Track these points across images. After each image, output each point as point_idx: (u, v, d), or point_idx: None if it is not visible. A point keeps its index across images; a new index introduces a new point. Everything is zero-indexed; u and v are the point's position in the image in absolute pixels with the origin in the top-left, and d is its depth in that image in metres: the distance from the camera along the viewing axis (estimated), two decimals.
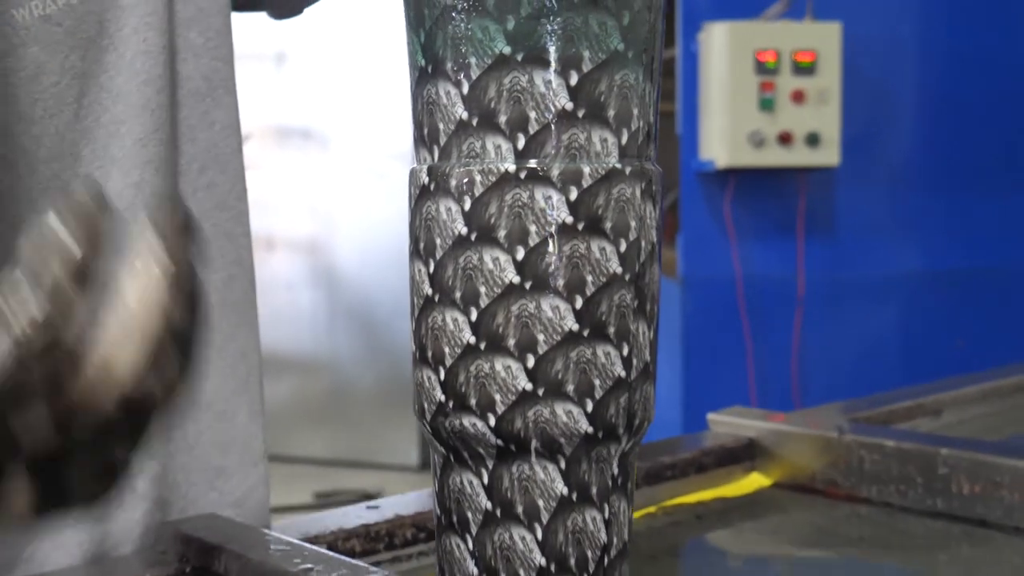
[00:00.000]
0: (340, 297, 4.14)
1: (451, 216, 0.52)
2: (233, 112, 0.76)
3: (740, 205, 2.48)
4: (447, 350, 0.52)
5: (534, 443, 0.51)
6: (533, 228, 0.51)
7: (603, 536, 0.52)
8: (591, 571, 0.52)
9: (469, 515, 0.53)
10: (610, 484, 0.52)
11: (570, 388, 0.50)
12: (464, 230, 0.51)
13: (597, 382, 0.51)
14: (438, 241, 0.52)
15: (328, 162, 4.09)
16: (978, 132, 2.55)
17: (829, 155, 2.40)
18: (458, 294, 0.52)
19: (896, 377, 2.36)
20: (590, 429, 0.51)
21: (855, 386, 2.46)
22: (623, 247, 0.51)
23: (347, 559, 0.63)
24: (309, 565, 0.62)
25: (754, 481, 0.91)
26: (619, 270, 0.51)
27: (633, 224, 0.52)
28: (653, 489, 0.85)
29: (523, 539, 0.52)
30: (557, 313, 0.50)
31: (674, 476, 0.88)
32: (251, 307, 0.79)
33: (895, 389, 1.12)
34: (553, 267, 0.50)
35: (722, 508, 0.87)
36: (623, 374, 0.51)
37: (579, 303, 0.50)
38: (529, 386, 0.51)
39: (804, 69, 2.37)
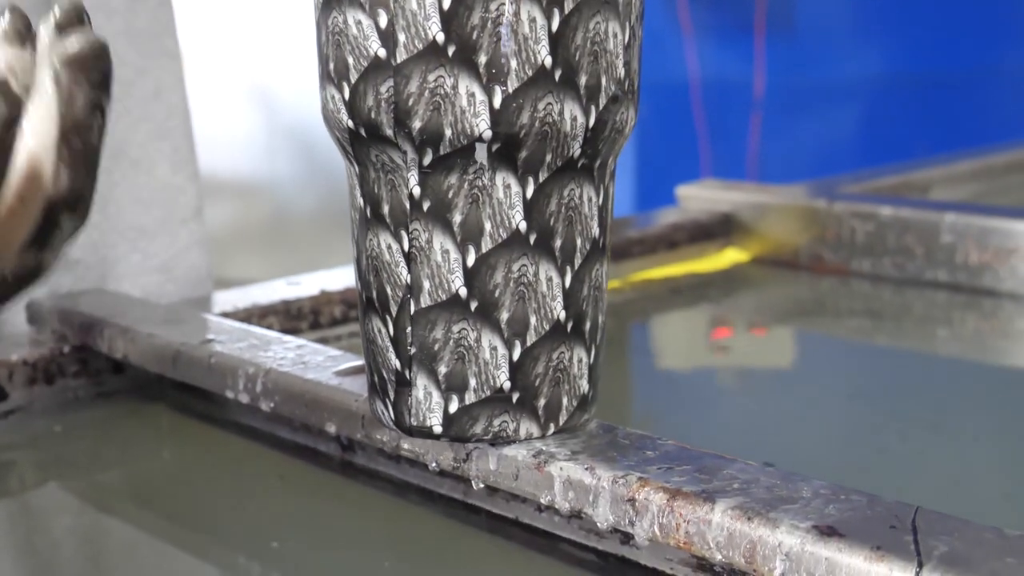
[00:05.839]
0: (278, 118, 3.98)
1: None
2: None
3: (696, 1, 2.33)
4: None
5: (330, 136, 0.42)
6: None
7: (403, 273, 0.41)
8: (393, 312, 0.41)
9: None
10: (407, 206, 0.40)
11: (331, 67, 0.41)
12: None
13: (351, 60, 0.40)
14: None
15: None
16: None
17: None
18: None
19: None
20: (350, 123, 0.40)
21: None
22: None
23: (258, 329, 0.53)
24: (211, 335, 0.51)
25: (729, 256, 0.81)
26: None
27: None
28: (618, 265, 0.75)
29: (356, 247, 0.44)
30: None
31: (642, 252, 0.77)
32: (167, 33, 0.67)
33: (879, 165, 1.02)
34: None
35: (697, 283, 0.77)
36: (381, 53, 0.39)
37: None
38: (318, 68, 0.43)
39: None
